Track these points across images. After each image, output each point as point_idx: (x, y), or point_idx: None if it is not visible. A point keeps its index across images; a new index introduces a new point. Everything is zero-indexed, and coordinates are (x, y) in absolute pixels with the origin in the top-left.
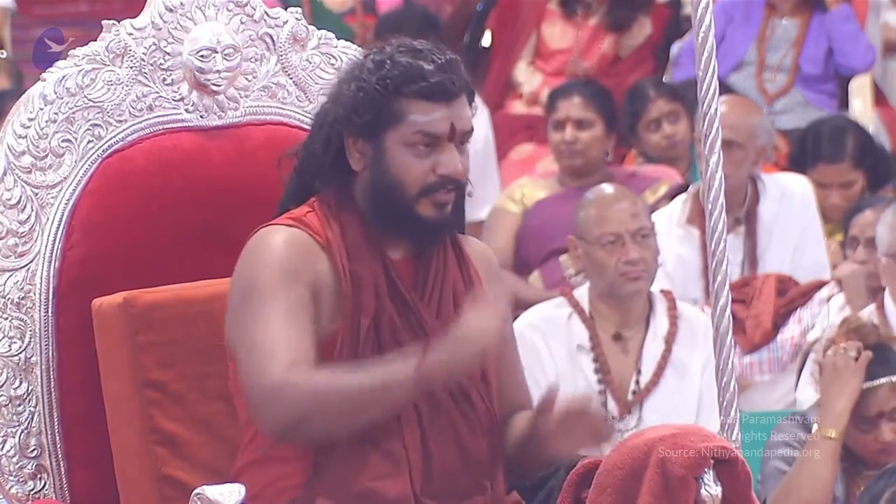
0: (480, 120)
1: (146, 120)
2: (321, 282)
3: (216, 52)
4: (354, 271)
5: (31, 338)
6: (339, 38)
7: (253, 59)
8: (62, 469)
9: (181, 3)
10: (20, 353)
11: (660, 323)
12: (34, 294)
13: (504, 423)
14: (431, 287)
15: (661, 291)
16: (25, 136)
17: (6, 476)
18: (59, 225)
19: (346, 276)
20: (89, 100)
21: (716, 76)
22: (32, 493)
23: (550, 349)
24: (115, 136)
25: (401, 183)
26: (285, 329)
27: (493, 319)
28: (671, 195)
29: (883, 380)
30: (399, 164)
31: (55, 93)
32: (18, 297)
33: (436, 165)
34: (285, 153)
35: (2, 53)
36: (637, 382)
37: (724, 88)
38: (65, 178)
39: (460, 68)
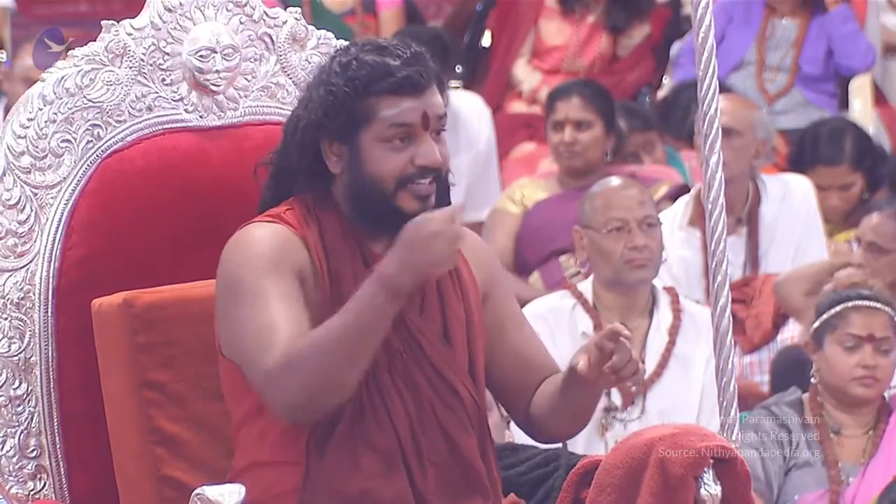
0: (482, 121)
1: (145, 120)
2: (304, 273)
3: (215, 52)
4: (334, 269)
5: (30, 338)
6: (338, 39)
7: (252, 59)
8: (62, 469)
9: (180, 4)
10: (20, 353)
11: (663, 315)
12: (34, 294)
13: (537, 387)
14: None
15: (665, 288)
16: (25, 137)
17: (6, 476)
18: (59, 225)
19: (325, 274)
20: (88, 100)
21: (716, 76)
22: (32, 493)
23: (554, 337)
24: (114, 137)
25: (378, 178)
26: (281, 312)
27: (443, 224)
28: (672, 195)
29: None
30: (375, 160)
31: (54, 93)
32: (18, 298)
33: (414, 157)
34: (260, 163)
35: (2, 54)
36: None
37: (724, 88)
38: (64, 178)
39: (427, 60)
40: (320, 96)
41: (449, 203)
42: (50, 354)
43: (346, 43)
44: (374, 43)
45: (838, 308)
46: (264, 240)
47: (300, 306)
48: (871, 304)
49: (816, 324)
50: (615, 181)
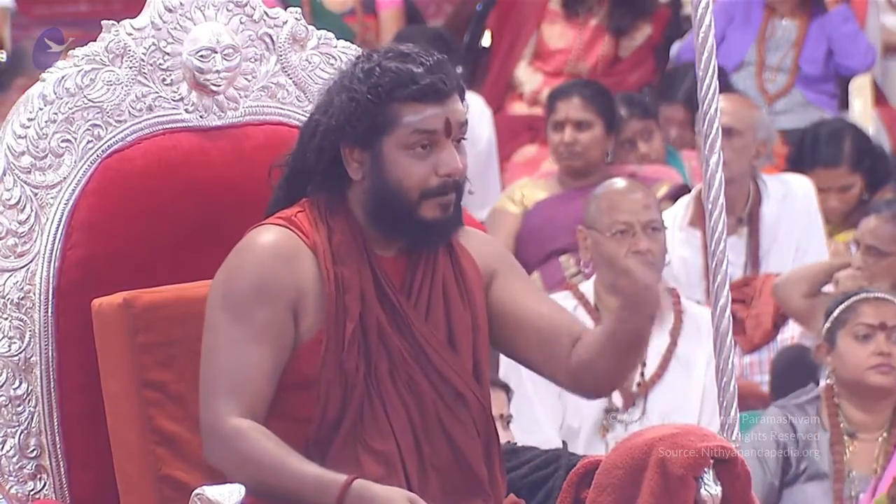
0: (482, 121)
1: (146, 120)
2: (306, 287)
3: (216, 53)
4: (340, 274)
5: (30, 338)
6: (338, 39)
7: (252, 59)
8: (62, 469)
9: (181, 4)
10: (20, 353)
11: (665, 317)
12: (34, 294)
13: (569, 347)
14: (419, 287)
15: (667, 289)
16: (25, 137)
17: (6, 476)
18: (59, 225)
19: (331, 279)
20: (89, 100)
21: (716, 76)
22: (32, 493)
23: None
24: (114, 137)
25: (401, 187)
26: (243, 361)
27: None
28: (672, 195)
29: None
30: (399, 168)
31: (55, 93)
32: (18, 298)
33: (436, 166)
34: (274, 164)
35: (2, 55)
36: (642, 374)
37: (725, 88)
38: (64, 178)
39: (449, 68)
40: (342, 102)
41: (460, 208)
42: (50, 354)
43: (369, 50)
44: (397, 50)
45: (848, 302)
46: (265, 253)
47: (269, 348)
48: (880, 294)
49: (827, 324)
50: (621, 183)
